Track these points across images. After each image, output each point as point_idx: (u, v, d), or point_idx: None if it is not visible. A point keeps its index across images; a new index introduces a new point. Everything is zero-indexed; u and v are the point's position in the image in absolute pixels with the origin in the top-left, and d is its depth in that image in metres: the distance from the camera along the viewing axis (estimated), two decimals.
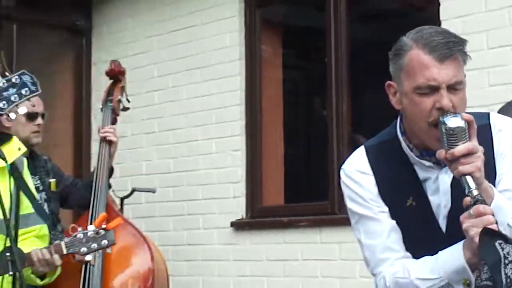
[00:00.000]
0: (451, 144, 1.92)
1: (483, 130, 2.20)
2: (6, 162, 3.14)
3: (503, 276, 1.83)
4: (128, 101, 4.95)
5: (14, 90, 2.65)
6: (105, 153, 4.68)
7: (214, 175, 5.68)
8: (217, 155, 5.68)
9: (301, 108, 7.03)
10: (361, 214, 2.24)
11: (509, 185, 2.16)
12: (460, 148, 1.90)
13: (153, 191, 5.56)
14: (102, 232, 3.34)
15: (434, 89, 1.98)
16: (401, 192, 2.21)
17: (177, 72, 6.01)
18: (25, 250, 3.40)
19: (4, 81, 2.66)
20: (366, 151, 2.24)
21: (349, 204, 2.26)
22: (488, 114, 2.36)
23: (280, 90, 5.92)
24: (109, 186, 4.65)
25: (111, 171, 4.71)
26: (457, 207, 2.05)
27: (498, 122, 2.32)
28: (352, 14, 5.37)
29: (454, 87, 1.98)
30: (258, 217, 5.53)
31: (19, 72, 2.69)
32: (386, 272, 2.16)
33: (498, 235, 1.87)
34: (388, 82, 2.11)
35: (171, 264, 5.08)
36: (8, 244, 3.07)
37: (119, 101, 4.89)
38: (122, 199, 5.24)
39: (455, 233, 2.05)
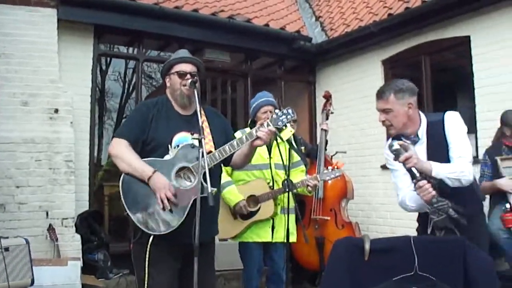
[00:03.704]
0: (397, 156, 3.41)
1: (437, 124, 3.65)
2: (282, 140, 4.79)
3: (435, 208, 3.35)
4: (334, 109, 7.02)
5: (284, 116, 3.57)
6: (323, 135, 6.80)
7: (372, 145, 8.16)
8: (375, 136, 8.07)
9: None
10: None
11: (455, 152, 3.58)
12: (401, 158, 3.39)
13: (345, 152, 8.03)
14: (336, 169, 5.30)
15: None
16: None
17: (353, 99, 8.64)
18: (295, 180, 5.19)
19: (280, 112, 3.56)
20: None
21: None
22: (444, 112, 3.68)
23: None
24: (325, 149, 6.85)
25: (326, 142, 6.83)
26: (431, 157, 3.60)
27: (447, 117, 3.64)
28: (432, 68, 7.73)
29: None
30: None
31: (287, 107, 3.60)
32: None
33: (434, 196, 3.33)
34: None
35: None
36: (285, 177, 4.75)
37: (329, 109, 6.92)
38: (331, 156, 7.46)
39: None
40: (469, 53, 7.12)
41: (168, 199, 3.42)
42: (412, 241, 3.37)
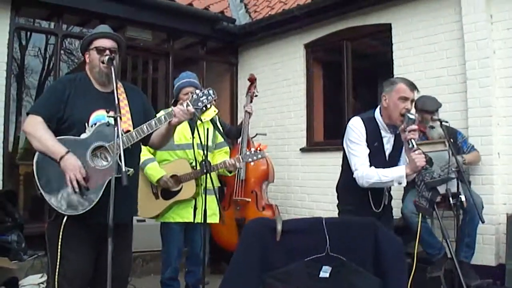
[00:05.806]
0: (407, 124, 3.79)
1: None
2: (201, 120, 4.79)
3: (427, 172, 4.16)
4: (258, 92, 7.13)
5: (204, 97, 3.52)
6: (247, 117, 6.87)
7: (292, 128, 8.39)
8: (295, 119, 8.36)
9: (330, 95, 8.45)
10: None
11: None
12: (413, 126, 3.78)
13: (265, 134, 8.10)
14: (259, 151, 5.15)
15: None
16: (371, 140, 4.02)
17: (275, 82, 8.71)
18: (218, 161, 5.17)
19: (200, 93, 3.52)
20: (362, 120, 4.05)
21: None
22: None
23: (321, 87, 8.45)
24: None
25: (248, 125, 6.84)
26: (394, 151, 4.09)
27: None
28: (353, 53, 7.79)
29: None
30: (312, 146, 8.14)
31: (208, 88, 3.56)
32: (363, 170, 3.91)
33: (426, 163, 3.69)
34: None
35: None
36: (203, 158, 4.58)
37: (253, 92, 7.01)
38: (252, 138, 7.23)
39: (391, 161, 4.05)
40: (390, 41, 7.22)
41: (78, 181, 3.29)
42: (324, 223, 3.44)
